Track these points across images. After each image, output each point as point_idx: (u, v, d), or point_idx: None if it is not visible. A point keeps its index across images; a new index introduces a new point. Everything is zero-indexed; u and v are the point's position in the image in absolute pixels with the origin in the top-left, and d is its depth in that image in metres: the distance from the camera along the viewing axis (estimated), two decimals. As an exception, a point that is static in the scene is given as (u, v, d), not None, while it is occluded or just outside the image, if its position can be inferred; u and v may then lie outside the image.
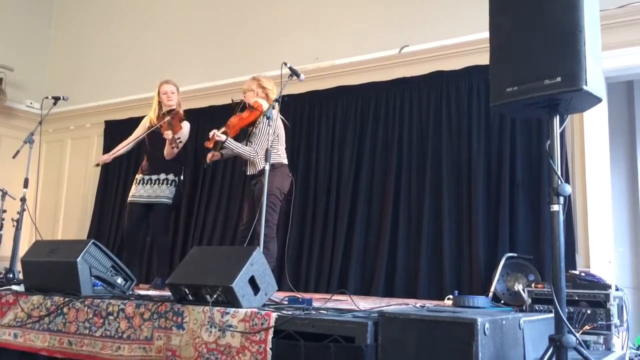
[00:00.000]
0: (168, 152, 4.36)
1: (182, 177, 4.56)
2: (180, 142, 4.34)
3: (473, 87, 4.45)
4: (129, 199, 4.48)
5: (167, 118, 4.34)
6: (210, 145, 4.04)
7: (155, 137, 4.47)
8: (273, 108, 3.61)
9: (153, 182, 4.43)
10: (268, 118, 3.48)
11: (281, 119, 4.15)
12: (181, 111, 4.50)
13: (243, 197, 5.19)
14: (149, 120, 4.56)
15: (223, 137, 3.94)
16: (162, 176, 4.43)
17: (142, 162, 4.60)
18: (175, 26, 6.43)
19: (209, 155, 4.20)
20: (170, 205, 4.45)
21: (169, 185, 4.42)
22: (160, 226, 4.43)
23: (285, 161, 4.05)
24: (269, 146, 3.42)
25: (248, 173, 4.05)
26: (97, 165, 4.77)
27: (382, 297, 4.24)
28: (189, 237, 5.58)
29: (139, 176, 4.51)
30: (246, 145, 4.00)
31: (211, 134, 3.97)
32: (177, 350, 2.41)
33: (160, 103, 4.51)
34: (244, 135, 4.12)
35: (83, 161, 6.87)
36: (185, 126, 4.46)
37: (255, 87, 4.15)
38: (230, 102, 4.33)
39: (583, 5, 1.98)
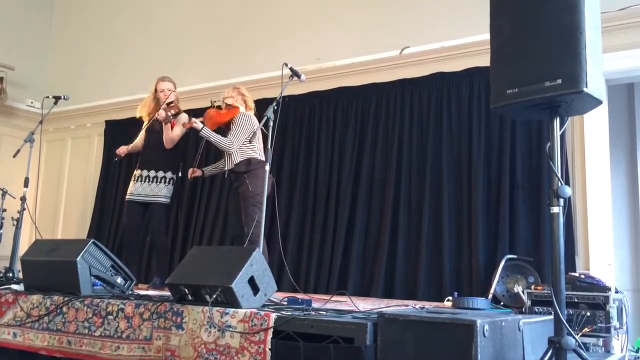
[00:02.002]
0: (167, 138, 4.37)
1: (179, 174, 4.56)
2: (173, 115, 4.36)
3: (474, 88, 4.45)
4: (127, 196, 4.48)
5: (164, 106, 4.39)
6: (187, 126, 4.12)
7: (152, 131, 4.49)
8: (274, 109, 3.62)
9: (151, 179, 4.41)
10: (269, 118, 3.49)
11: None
12: (178, 104, 4.54)
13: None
14: (146, 116, 4.59)
15: (200, 125, 4.05)
16: (160, 174, 4.42)
17: (140, 158, 4.61)
18: (176, 26, 6.43)
19: (190, 172, 4.32)
20: (168, 205, 4.45)
21: (166, 184, 4.41)
22: (158, 226, 4.42)
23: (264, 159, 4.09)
24: (269, 146, 3.42)
25: (226, 168, 4.13)
26: (115, 159, 4.69)
27: (382, 298, 4.23)
28: (189, 237, 5.57)
29: (136, 172, 4.51)
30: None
31: (191, 119, 4.08)
32: (176, 350, 2.41)
33: (157, 100, 4.54)
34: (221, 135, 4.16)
35: (83, 161, 6.87)
36: (183, 117, 4.48)
37: (236, 94, 4.32)
38: (210, 103, 4.38)
39: (584, 8, 1.98)
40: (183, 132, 4.47)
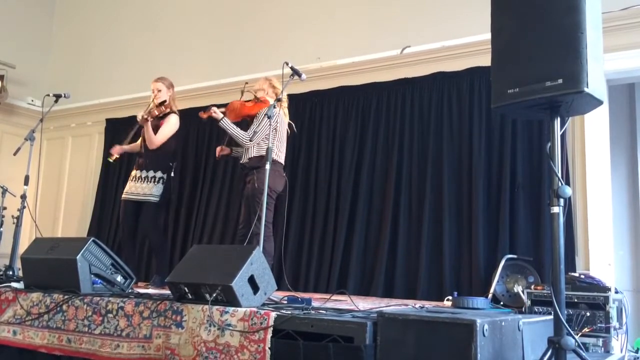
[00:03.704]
0: (148, 139, 4.42)
1: (172, 174, 4.57)
2: (152, 117, 4.39)
3: (474, 88, 4.45)
4: (122, 196, 4.52)
5: (151, 106, 4.42)
6: (204, 116, 4.16)
7: (143, 133, 4.53)
8: (274, 107, 3.62)
9: (143, 179, 4.47)
10: (269, 117, 3.49)
11: (290, 123, 4.20)
12: (172, 104, 4.56)
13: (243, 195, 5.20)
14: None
15: (220, 115, 4.03)
16: (151, 174, 4.46)
17: (136, 160, 4.65)
18: (177, 25, 6.43)
19: (218, 149, 4.26)
20: (158, 204, 4.45)
21: (156, 183, 4.44)
22: (148, 225, 4.44)
23: (280, 159, 4.07)
24: (271, 145, 3.42)
25: (241, 161, 4.11)
26: (111, 159, 4.73)
27: (382, 297, 4.24)
28: (189, 235, 5.58)
29: (133, 172, 4.58)
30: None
31: (210, 108, 4.06)
32: (176, 348, 2.41)
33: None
34: (246, 127, 4.13)
35: (84, 159, 6.88)
36: (173, 118, 4.50)
37: (267, 86, 4.25)
38: (244, 85, 4.34)
39: (585, 7, 1.98)
40: (171, 133, 4.48)
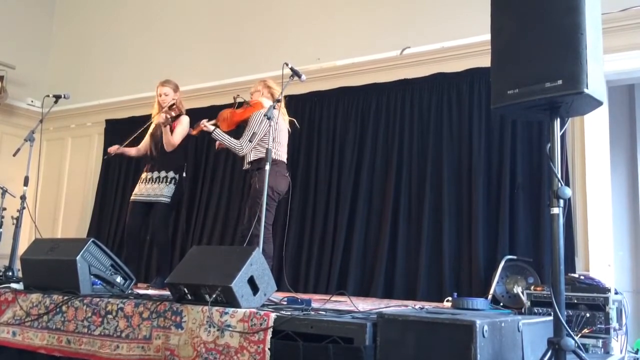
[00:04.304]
0: (167, 141, 4.38)
1: (184, 174, 4.57)
2: (172, 117, 4.37)
3: (474, 89, 4.45)
4: (132, 197, 4.51)
5: (164, 109, 4.41)
6: (194, 133, 4.22)
7: (154, 135, 4.51)
8: (274, 108, 3.61)
9: (154, 180, 4.45)
10: (269, 119, 3.48)
11: (291, 120, 4.20)
12: (180, 106, 4.55)
13: (243, 196, 5.20)
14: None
15: (211, 128, 4.04)
16: (163, 174, 4.44)
17: (146, 162, 4.63)
18: (177, 25, 6.43)
19: (217, 143, 4.24)
20: (170, 204, 4.45)
21: (167, 184, 4.42)
22: (159, 225, 4.43)
23: (281, 158, 4.05)
24: (269, 146, 3.41)
25: (243, 167, 4.12)
26: (105, 157, 4.74)
27: (381, 298, 4.24)
28: (189, 236, 5.58)
29: (143, 175, 4.56)
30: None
31: (200, 122, 4.06)
32: (176, 349, 2.41)
33: (159, 104, 4.57)
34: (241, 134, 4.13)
35: (83, 160, 6.87)
36: (185, 119, 4.50)
37: (262, 87, 4.23)
38: (233, 100, 4.35)
39: (585, 8, 1.98)
40: (184, 134, 4.47)
